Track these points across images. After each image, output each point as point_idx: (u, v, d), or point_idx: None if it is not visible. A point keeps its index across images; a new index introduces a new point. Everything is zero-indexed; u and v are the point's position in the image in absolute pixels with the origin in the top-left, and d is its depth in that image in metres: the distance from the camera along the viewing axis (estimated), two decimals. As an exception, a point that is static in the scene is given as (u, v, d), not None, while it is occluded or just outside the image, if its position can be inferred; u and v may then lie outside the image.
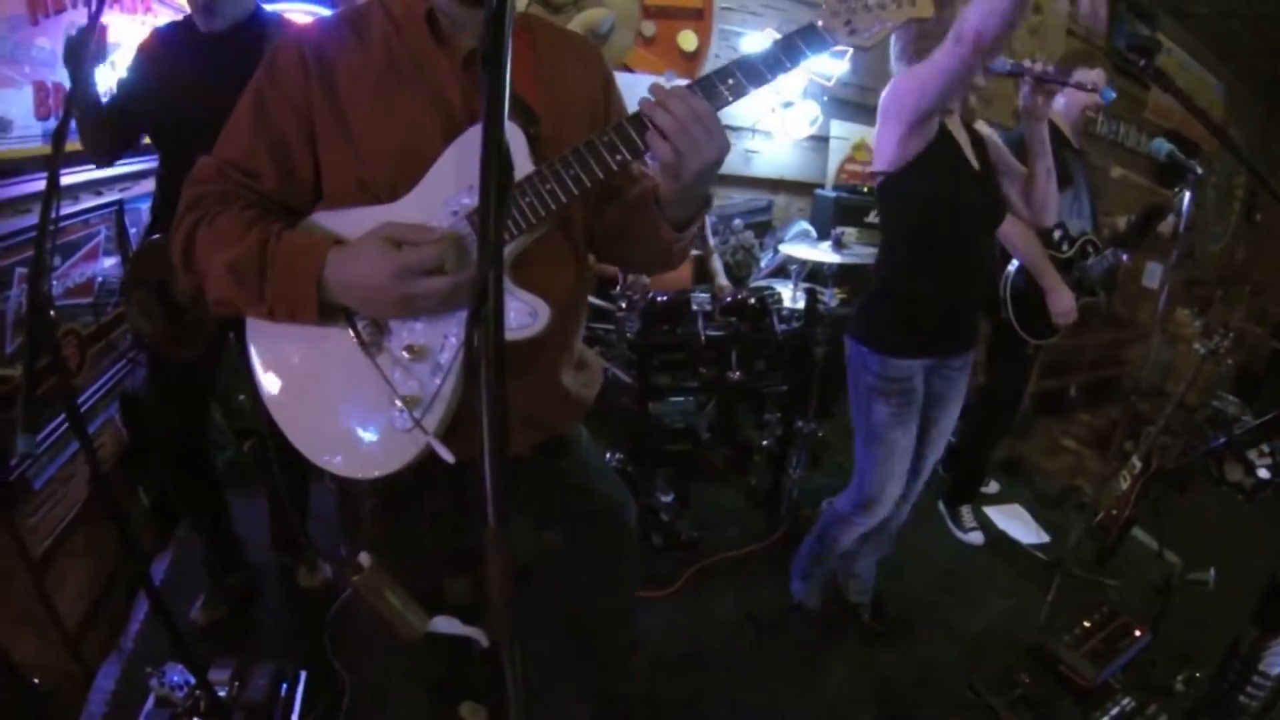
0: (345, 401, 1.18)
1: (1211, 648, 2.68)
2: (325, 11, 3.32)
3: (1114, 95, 2.42)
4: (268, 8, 3.14)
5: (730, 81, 1.09)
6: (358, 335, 1.16)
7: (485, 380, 0.58)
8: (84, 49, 1.94)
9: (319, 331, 1.16)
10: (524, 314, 1.11)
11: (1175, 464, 3.31)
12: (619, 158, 1.09)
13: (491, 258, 0.59)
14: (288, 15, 3.17)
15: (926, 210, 2.12)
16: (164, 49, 2.19)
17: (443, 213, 1.14)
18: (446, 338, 1.14)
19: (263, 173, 1.19)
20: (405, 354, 1.15)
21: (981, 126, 2.29)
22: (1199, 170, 2.63)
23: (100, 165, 2.34)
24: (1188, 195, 2.66)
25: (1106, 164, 6.24)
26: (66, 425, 2.12)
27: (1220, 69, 7.81)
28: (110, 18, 2.57)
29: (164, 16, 2.86)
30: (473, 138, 1.13)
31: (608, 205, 1.35)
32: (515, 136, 1.11)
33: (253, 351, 1.23)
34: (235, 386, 3.18)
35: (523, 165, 1.10)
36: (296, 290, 1.09)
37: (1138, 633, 2.65)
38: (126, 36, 2.62)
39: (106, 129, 2.19)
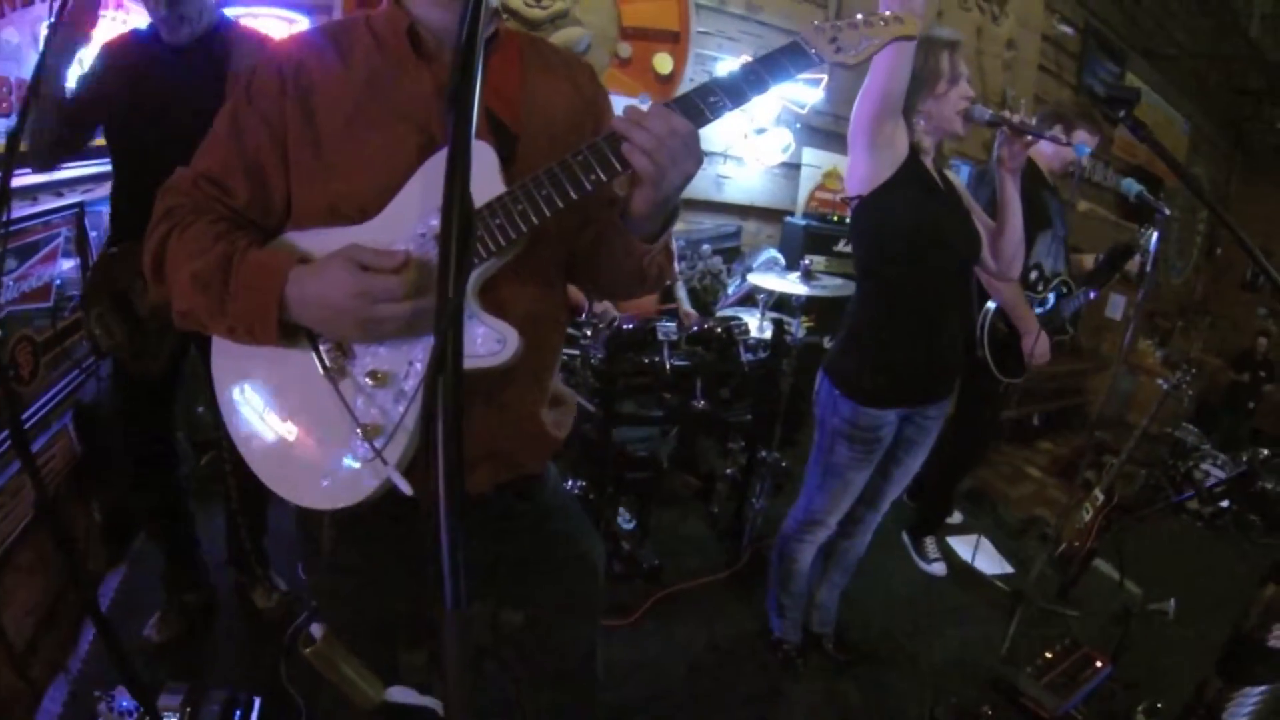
0: (306, 428, 1.14)
1: (1172, 678, 2.72)
2: (298, 16, 3.28)
3: (1088, 151, 2.45)
4: (242, 10, 3.12)
5: (711, 99, 1.08)
6: (320, 358, 1.12)
7: (444, 461, 0.54)
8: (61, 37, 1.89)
9: (282, 353, 1.12)
10: (492, 340, 1.08)
11: (1140, 509, 3.35)
12: (593, 177, 1.06)
13: (450, 319, 0.57)
14: (260, 21, 3.17)
15: (901, 236, 2.11)
16: (130, 53, 2.16)
17: (410, 234, 1.10)
18: (411, 364, 1.10)
19: (236, 190, 1.16)
20: (368, 380, 1.10)
21: (952, 176, 2.30)
22: (1166, 211, 2.66)
23: (41, 168, 2.19)
24: (1155, 235, 2.70)
25: (1074, 199, 6.34)
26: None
27: (1185, 106, 8.00)
28: None
29: (137, 14, 2.82)
30: (444, 159, 1.09)
31: (586, 230, 1.30)
32: (486, 156, 1.08)
33: (215, 371, 1.20)
34: (194, 397, 3.11)
35: (493, 186, 1.07)
36: (257, 307, 1.06)
37: (1099, 663, 2.67)
38: (98, 35, 2.56)
39: (65, 127, 2.11)
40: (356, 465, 1.10)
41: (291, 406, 1.15)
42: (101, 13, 2.59)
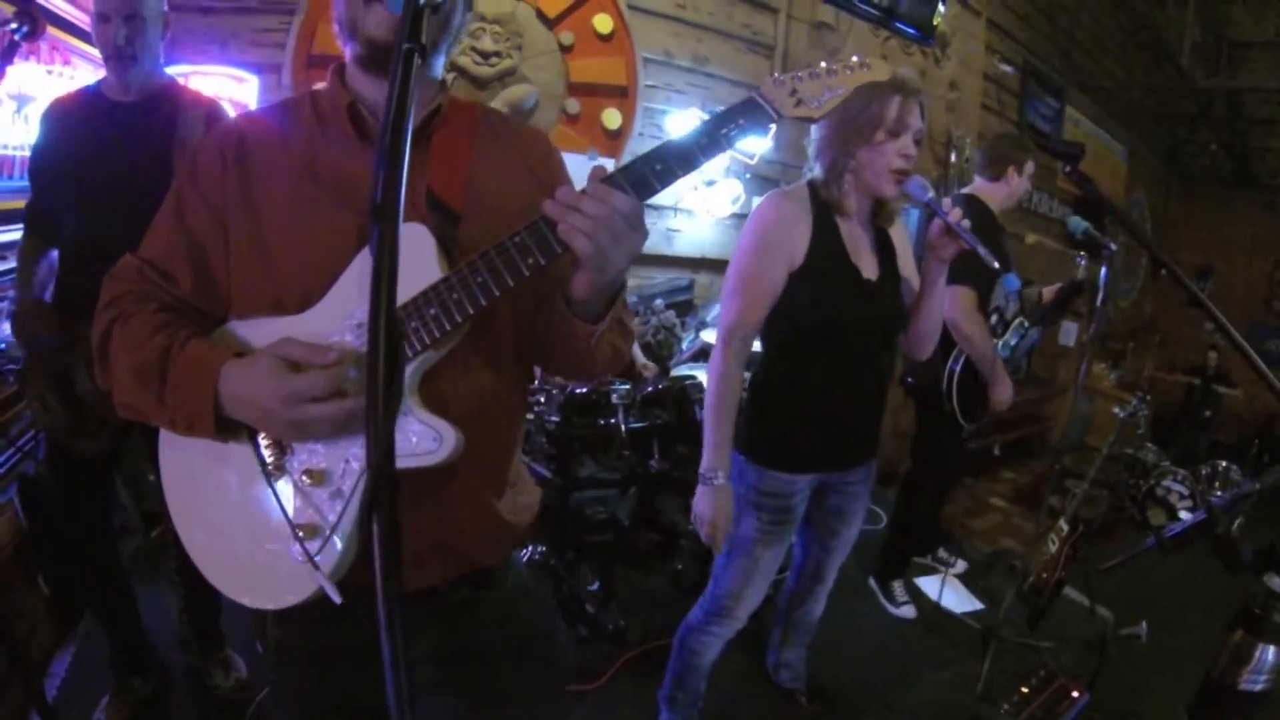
0: (244, 526, 1.11)
1: (1150, 701, 2.73)
2: (248, 75, 3.27)
3: (1018, 285, 2.44)
4: (190, 69, 3.11)
5: (658, 168, 1.02)
6: (259, 455, 1.09)
7: (384, 607, 0.52)
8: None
9: (222, 448, 1.09)
10: (427, 439, 1.03)
11: (1110, 553, 3.36)
12: (530, 261, 1.00)
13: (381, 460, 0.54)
14: (209, 80, 3.16)
15: (808, 324, 1.98)
16: (78, 111, 2.14)
17: (347, 325, 1.07)
18: (348, 462, 1.06)
19: (179, 277, 1.14)
20: (305, 478, 1.07)
21: (897, 233, 2.13)
22: (1114, 246, 2.69)
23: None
24: (1104, 270, 2.73)
25: (1021, 231, 6.48)
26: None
27: (1123, 134, 8.24)
28: (25, 68, 2.50)
29: (83, 70, 2.79)
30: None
31: (543, 309, 1.23)
32: (422, 239, 1.05)
33: (161, 460, 1.17)
34: (144, 466, 3.02)
35: (428, 272, 1.03)
36: (193, 403, 1.03)
37: (1075, 694, 2.65)
38: (41, 90, 2.55)
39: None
40: (292, 568, 1.06)
41: (231, 503, 1.12)
42: (49, 68, 2.58)
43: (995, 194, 3.18)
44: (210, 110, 2.18)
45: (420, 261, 1.03)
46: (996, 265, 1.80)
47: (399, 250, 0.98)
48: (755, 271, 1.93)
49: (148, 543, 3.16)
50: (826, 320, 1.97)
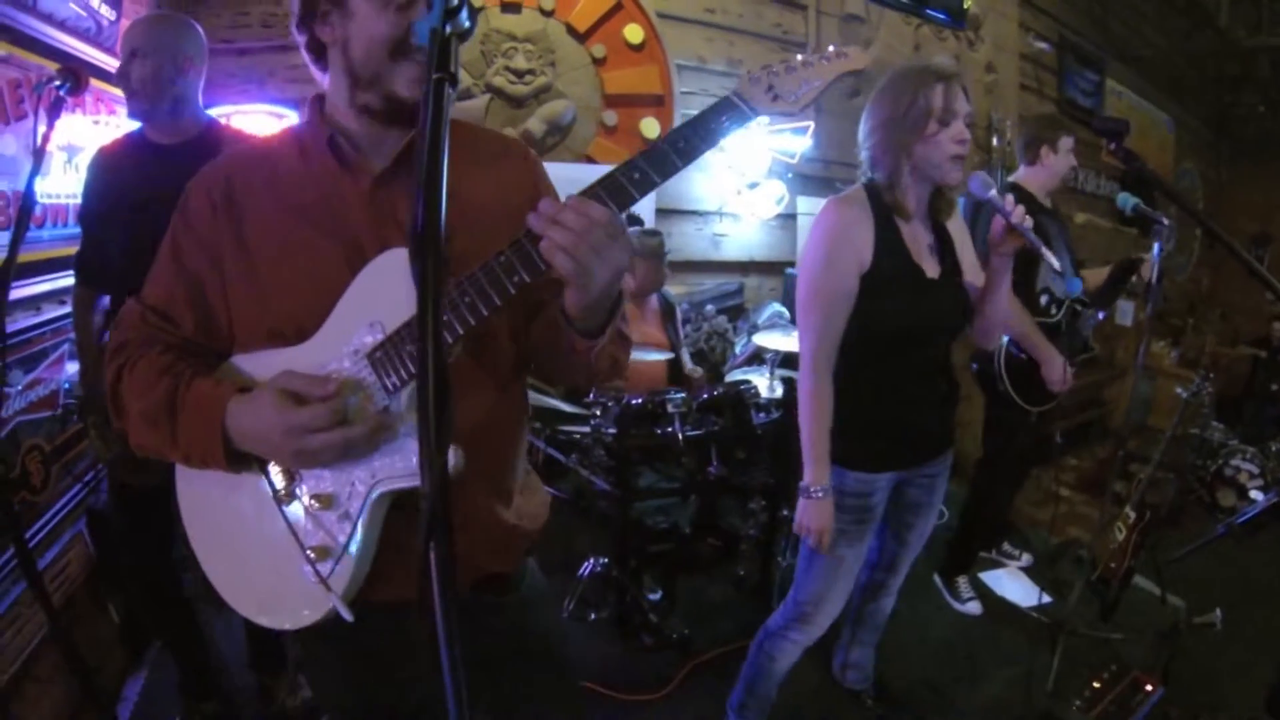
0: (259, 551, 1.16)
1: (1228, 691, 2.66)
2: (287, 111, 3.33)
3: (1079, 288, 2.38)
4: (231, 109, 3.17)
5: (636, 176, 1.02)
6: (270, 483, 1.14)
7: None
8: None
9: (235, 478, 1.15)
10: None
11: (1179, 536, 3.27)
12: (516, 279, 1.01)
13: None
14: (249, 118, 3.21)
15: (869, 326, 1.94)
16: (121, 158, 2.20)
17: (344, 353, 1.10)
18: (353, 485, 1.10)
19: (180, 318, 1.19)
20: (314, 502, 1.12)
21: (953, 225, 2.10)
22: (1165, 221, 2.60)
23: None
24: (1156, 246, 2.65)
25: (1070, 211, 6.35)
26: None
27: (1167, 104, 8.02)
28: (72, 120, 2.58)
29: (126, 119, 2.87)
30: (375, 269, 1.10)
31: (535, 321, 1.26)
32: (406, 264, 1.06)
33: (179, 492, 1.23)
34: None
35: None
36: (203, 440, 1.09)
37: (1149, 687, 2.57)
38: (89, 139, 2.62)
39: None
40: (306, 589, 1.11)
41: (247, 529, 1.17)
42: (95, 118, 2.66)
43: (1035, 178, 3.14)
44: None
45: (409, 288, 1.04)
46: (1058, 266, 1.81)
47: (385, 279, 1.08)
48: (828, 282, 1.92)
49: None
50: (895, 324, 1.96)
